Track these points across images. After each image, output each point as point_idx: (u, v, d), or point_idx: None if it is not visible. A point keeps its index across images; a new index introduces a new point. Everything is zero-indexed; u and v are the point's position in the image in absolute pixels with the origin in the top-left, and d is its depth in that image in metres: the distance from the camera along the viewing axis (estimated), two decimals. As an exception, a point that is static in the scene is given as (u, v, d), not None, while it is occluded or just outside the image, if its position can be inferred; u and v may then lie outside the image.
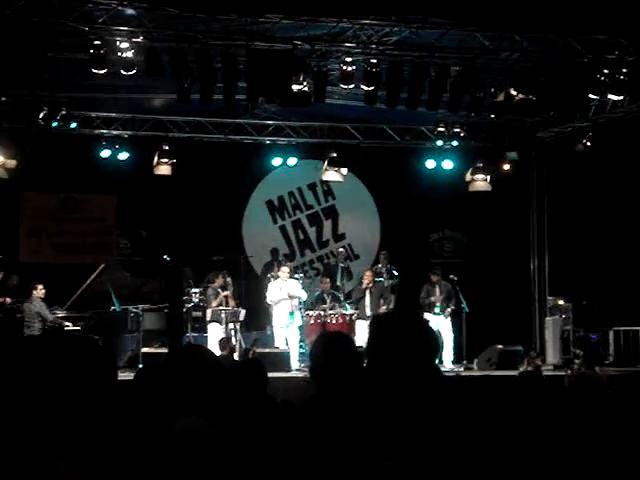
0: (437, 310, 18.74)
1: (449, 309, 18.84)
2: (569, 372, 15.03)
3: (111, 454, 3.15)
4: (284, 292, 18.26)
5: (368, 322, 17.55)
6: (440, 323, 18.42)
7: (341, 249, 21.30)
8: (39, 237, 19.98)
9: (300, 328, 18.29)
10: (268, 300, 18.51)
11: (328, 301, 18.98)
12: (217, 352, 15.74)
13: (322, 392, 3.80)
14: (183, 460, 3.35)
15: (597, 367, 15.05)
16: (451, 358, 18.60)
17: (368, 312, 18.36)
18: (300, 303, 18.44)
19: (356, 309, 18.68)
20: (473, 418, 3.68)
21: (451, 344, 18.66)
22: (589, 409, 5.51)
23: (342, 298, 19.44)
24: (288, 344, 18.03)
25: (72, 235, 20.22)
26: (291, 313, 18.24)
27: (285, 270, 18.59)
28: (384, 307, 18.74)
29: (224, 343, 16.63)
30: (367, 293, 18.69)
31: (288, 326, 18.19)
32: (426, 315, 18.26)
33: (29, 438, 2.96)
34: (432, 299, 18.86)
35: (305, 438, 3.66)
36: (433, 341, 3.82)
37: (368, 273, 19.04)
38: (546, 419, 5.10)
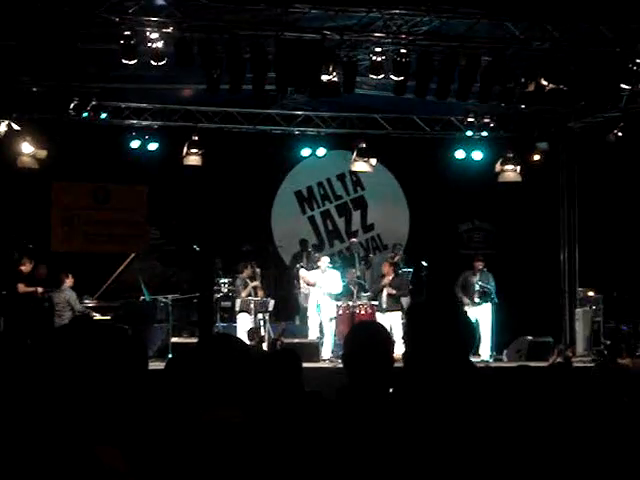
0: (477, 300, 18.55)
1: (490, 304, 18.59)
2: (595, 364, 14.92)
3: (146, 441, 3.16)
4: (318, 282, 18.28)
5: (383, 315, 17.48)
6: (479, 314, 18.30)
7: (354, 239, 21.20)
8: (71, 226, 20.14)
9: (331, 319, 18.22)
10: (304, 290, 18.52)
11: (355, 292, 18.94)
12: (246, 342, 15.79)
13: (354, 381, 3.79)
14: (214, 449, 3.36)
15: (625, 358, 14.92)
16: (489, 352, 18.40)
17: (384, 306, 18.22)
18: (327, 295, 18.31)
19: (375, 299, 18.60)
20: (504, 409, 3.67)
21: (489, 336, 18.45)
22: (616, 401, 5.47)
23: (368, 288, 19.38)
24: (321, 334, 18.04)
25: (103, 225, 20.36)
26: (317, 305, 18.24)
27: (325, 260, 18.57)
28: (404, 300, 18.52)
29: (253, 333, 16.66)
30: (386, 286, 18.44)
31: (319, 314, 18.19)
32: (465, 305, 18.14)
33: (70, 425, 2.99)
34: (469, 284, 18.62)
35: (335, 428, 3.66)
36: (468, 332, 3.81)
37: (386, 265, 18.85)
38: (576, 410, 5.06)
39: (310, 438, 3.63)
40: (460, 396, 3.46)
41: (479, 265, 18.73)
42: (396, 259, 19.35)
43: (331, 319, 18.12)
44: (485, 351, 18.26)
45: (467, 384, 3.53)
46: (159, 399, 3.95)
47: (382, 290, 18.43)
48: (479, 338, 18.08)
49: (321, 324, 18.15)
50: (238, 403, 3.51)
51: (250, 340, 16.07)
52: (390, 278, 18.46)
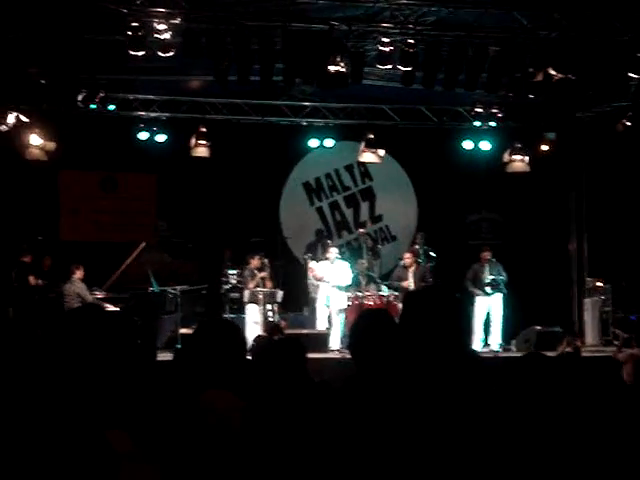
0: (488, 290, 18.53)
1: (500, 294, 18.56)
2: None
3: (153, 426, 3.18)
4: (327, 274, 18.29)
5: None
6: (489, 304, 18.33)
7: (361, 230, 21.19)
8: (78, 215, 20.17)
9: (341, 311, 18.22)
10: (313, 281, 18.50)
11: (364, 283, 18.95)
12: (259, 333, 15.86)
13: (361, 369, 3.81)
14: (210, 432, 3.38)
15: (634, 348, 14.92)
16: (498, 342, 18.38)
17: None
18: (337, 287, 18.31)
19: (396, 289, 18.61)
20: (510, 397, 3.67)
21: (500, 325, 18.42)
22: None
23: (377, 279, 19.40)
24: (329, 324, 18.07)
25: (111, 214, 20.39)
26: (327, 297, 18.26)
27: (333, 251, 18.57)
28: None
29: (271, 328, 16.64)
30: (410, 274, 18.53)
31: (328, 307, 18.21)
32: (475, 296, 18.17)
33: (79, 410, 3.01)
34: (480, 276, 18.59)
35: (343, 417, 3.67)
36: (464, 322, 3.82)
37: (408, 254, 18.84)
38: (586, 399, 5.07)
39: (317, 427, 3.64)
40: (460, 384, 3.47)
41: (487, 255, 18.69)
42: (416, 247, 19.30)
43: (340, 311, 18.10)
44: (495, 341, 18.26)
45: (465, 372, 3.54)
46: (168, 388, 3.97)
47: (406, 279, 18.40)
48: (488, 329, 18.17)
49: (330, 315, 18.15)
50: (233, 387, 3.53)
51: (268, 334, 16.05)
52: (410, 263, 18.45)
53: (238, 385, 3.56)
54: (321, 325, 18.17)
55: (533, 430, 3.64)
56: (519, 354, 17.69)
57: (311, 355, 14.51)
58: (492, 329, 18.27)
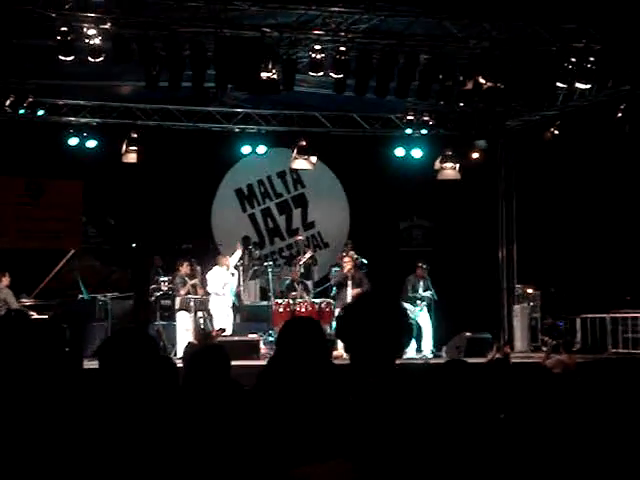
0: (419, 302, 18.77)
1: (425, 303, 18.90)
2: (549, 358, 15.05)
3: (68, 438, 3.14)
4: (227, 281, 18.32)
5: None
6: (420, 315, 18.59)
7: (300, 237, 21.25)
8: (2, 222, 19.84)
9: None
10: (211, 289, 18.36)
11: (298, 290, 18.99)
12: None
13: (286, 376, 3.81)
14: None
15: (562, 354, 15.10)
16: (430, 347, 18.69)
17: (349, 300, 18.26)
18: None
19: (331, 297, 18.66)
20: (432, 405, 3.69)
21: (430, 333, 18.76)
22: (559, 396, 5.53)
23: (311, 287, 19.47)
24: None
25: (37, 220, 20.09)
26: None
27: (226, 260, 18.60)
28: None
29: (203, 336, 16.58)
30: (349, 280, 18.57)
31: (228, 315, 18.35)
32: (405, 304, 18.34)
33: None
34: (415, 292, 18.83)
35: (267, 421, 3.67)
36: (406, 325, 3.83)
37: (347, 259, 18.81)
38: (516, 407, 5.12)
39: (245, 434, 3.63)
40: (388, 395, 3.49)
41: (422, 273, 18.93)
42: (350, 253, 19.36)
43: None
44: (427, 347, 18.52)
45: (394, 382, 3.56)
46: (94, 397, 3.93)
47: (345, 284, 18.47)
48: (420, 336, 18.41)
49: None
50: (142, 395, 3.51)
51: (199, 341, 15.98)
52: (350, 268, 18.51)
53: (156, 393, 3.54)
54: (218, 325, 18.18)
55: (452, 437, 3.66)
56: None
57: (242, 362, 14.47)
58: (424, 335, 18.49)
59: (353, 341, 3.70)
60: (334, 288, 18.84)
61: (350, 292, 18.32)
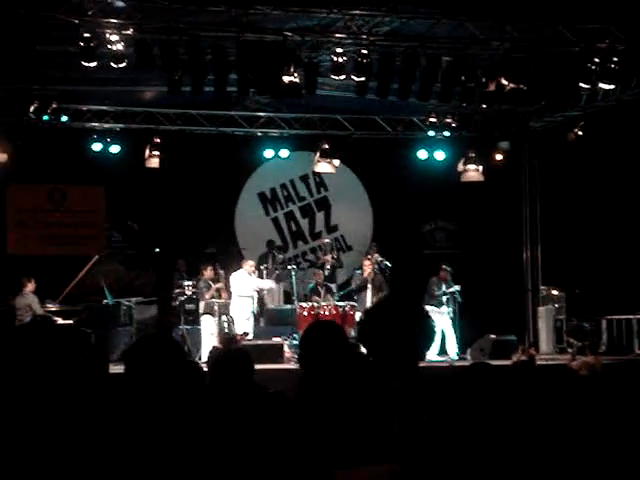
0: (444, 304, 18.74)
1: (449, 308, 18.89)
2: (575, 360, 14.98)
3: (93, 442, 3.15)
4: (250, 285, 18.30)
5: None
6: (442, 316, 18.54)
7: (327, 240, 21.26)
8: (26, 229, 19.94)
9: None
10: (236, 292, 18.38)
11: (322, 293, 19.01)
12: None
13: (309, 380, 3.80)
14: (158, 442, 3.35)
15: (588, 356, 15.02)
16: (456, 350, 18.69)
17: (369, 304, 18.27)
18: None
19: (355, 300, 18.69)
20: (457, 408, 3.68)
21: (454, 336, 18.76)
22: (584, 398, 5.50)
23: (335, 290, 19.49)
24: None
25: (60, 227, 20.18)
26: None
27: (251, 264, 18.58)
28: None
29: (227, 340, 16.58)
30: (369, 284, 18.60)
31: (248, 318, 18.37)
32: (428, 307, 18.37)
33: (19, 425, 2.97)
34: (437, 294, 18.78)
35: (296, 426, 3.66)
36: (428, 330, 3.82)
37: (367, 262, 18.94)
38: (541, 408, 5.09)
39: (267, 435, 3.63)
40: (411, 396, 3.48)
41: (445, 276, 18.91)
42: (375, 256, 19.37)
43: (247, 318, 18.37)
44: (452, 350, 18.52)
45: (419, 386, 3.54)
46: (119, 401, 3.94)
47: (365, 287, 18.46)
48: (444, 339, 18.40)
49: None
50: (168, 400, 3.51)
51: (224, 345, 15.98)
52: (369, 272, 18.54)
53: (182, 399, 3.54)
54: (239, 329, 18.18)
55: (479, 441, 3.64)
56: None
57: (266, 366, 14.48)
58: (448, 338, 18.48)
59: (375, 345, 3.69)
60: (356, 292, 18.90)
61: (370, 296, 18.36)
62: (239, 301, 18.25)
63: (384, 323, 3.70)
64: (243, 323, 18.16)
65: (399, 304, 3.87)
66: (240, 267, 18.60)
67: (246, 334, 17.87)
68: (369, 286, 18.61)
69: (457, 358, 18.33)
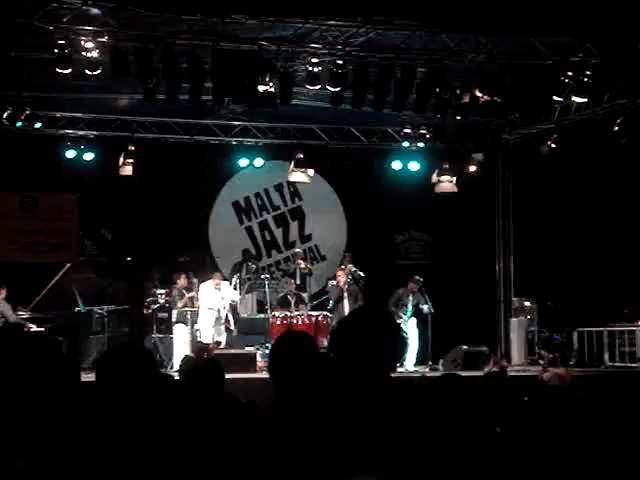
0: (407, 315, 18.70)
1: (415, 319, 18.82)
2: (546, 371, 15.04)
3: (65, 451, 3.13)
4: (215, 297, 18.27)
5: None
6: (408, 325, 18.51)
7: (297, 250, 21.25)
8: (-2, 235, 19.78)
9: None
10: (202, 303, 18.32)
11: (292, 302, 19.02)
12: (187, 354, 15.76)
13: (280, 391, 3.80)
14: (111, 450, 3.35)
15: (559, 367, 15.12)
16: (413, 361, 18.55)
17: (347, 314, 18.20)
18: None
19: (330, 311, 18.67)
20: (429, 420, 3.69)
21: (416, 346, 18.66)
22: (557, 410, 5.54)
23: (307, 299, 19.49)
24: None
25: (32, 234, 19.98)
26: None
27: (217, 281, 18.50)
28: None
29: (200, 349, 16.56)
30: (345, 294, 18.59)
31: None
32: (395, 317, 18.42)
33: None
34: (403, 304, 18.73)
35: (269, 437, 3.66)
36: (399, 341, 3.83)
37: (340, 272, 18.95)
38: (513, 420, 5.12)
39: (237, 446, 3.63)
40: (385, 407, 3.49)
41: (414, 287, 18.85)
42: (348, 266, 19.36)
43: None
44: (410, 363, 18.38)
45: (389, 396, 3.55)
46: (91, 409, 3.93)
47: (342, 298, 18.50)
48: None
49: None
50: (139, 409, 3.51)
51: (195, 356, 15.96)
52: (344, 282, 18.56)
53: (153, 408, 3.54)
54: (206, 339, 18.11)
55: (451, 452, 3.66)
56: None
57: (239, 375, 14.46)
58: (410, 350, 18.38)
59: (345, 356, 3.70)
60: (331, 302, 18.88)
61: (347, 306, 18.35)
62: (205, 311, 18.20)
63: (355, 334, 3.71)
64: (210, 332, 18.10)
65: (370, 315, 3.88)
66: (209, 278, 18.53)
67: (218, 343, 17.84)
68: (345, 295, 18.60)
69: (417, 368, 18.27)
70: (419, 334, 18.83)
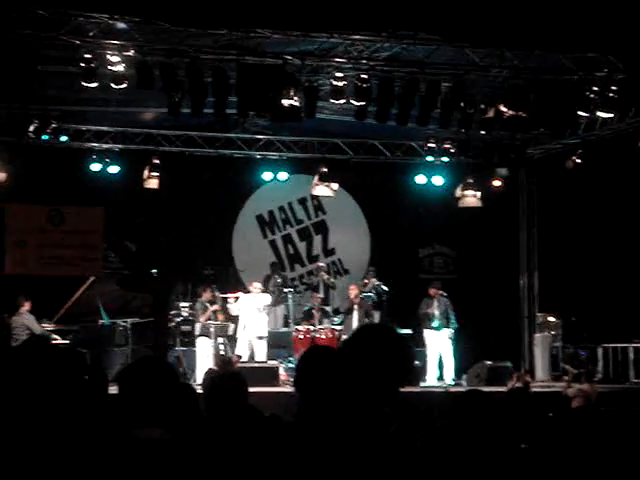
0: (435, 324, 18.59)
1: (450, 329, 18.65)
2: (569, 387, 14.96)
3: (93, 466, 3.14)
4: (253, 306, 18.33)
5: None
6: (440, 340, 18.48)
7: (321, 264, 21.27)
8: (24, 249, 19.91)
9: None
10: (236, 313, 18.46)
11: (317, 316, 19.02)
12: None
13: (305, 404, 3.80)
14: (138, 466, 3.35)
15: (583, 383, 15.02)
16: (452, 375, 18.52)
17: (354, 327, 18.27)
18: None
19: (340, 323, 18.77)
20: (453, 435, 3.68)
21: (452, 361, 18.58)
22: (581, 426, 5.51)
23: (331, 313, 19.50)
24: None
25: (58, 247, 20.12)
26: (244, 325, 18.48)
27: (257, 286, 18.59)
28: None
29: (223, 363, 16.58)
30: (355, 307, 18.65)
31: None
32: (425, 331, 18.39)
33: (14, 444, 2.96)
34: (428, 311, 18.68)
35: (292, 450, 3.66)
36: (405, 358, 3.81)
37: (353, 286, 19.08)
38: (538, 436, 5.09)
39: (262, 459, 3.62)
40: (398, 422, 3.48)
41: (433, 292, 18.80)
42: (366, 282, 19.41)
43: (260, 337, 18.37)
44: (449, 376, 18.37)
45: (401, 411, 3.55)
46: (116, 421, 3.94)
47: (352, 311, 18.52)
48: (440, 364, 18.33)
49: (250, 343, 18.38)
50: (162, 423, 3.51)
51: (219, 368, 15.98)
52: (354, 296, 18.61)
53: (175, 421, 3.54)
54: (240, 352, 18.12)
55: (474, 466, 3.64)
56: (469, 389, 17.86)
57: (261, 389, 14.46)
58: (445, 364, 18.39)
59: (353, 373, 3.70)
60: (340, 315, 19.05)
61: (356, 319, 18.40)
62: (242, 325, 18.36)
63: (363, 350, 3.70)
64: (243, 346, 18.20)
65: (378, 331, 3.88)
66: (241, 290, 18.69)
67: (239, 357, 17.86)
68: (355, 308, 18.64)
69: (453, 384, 18.26)
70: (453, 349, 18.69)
